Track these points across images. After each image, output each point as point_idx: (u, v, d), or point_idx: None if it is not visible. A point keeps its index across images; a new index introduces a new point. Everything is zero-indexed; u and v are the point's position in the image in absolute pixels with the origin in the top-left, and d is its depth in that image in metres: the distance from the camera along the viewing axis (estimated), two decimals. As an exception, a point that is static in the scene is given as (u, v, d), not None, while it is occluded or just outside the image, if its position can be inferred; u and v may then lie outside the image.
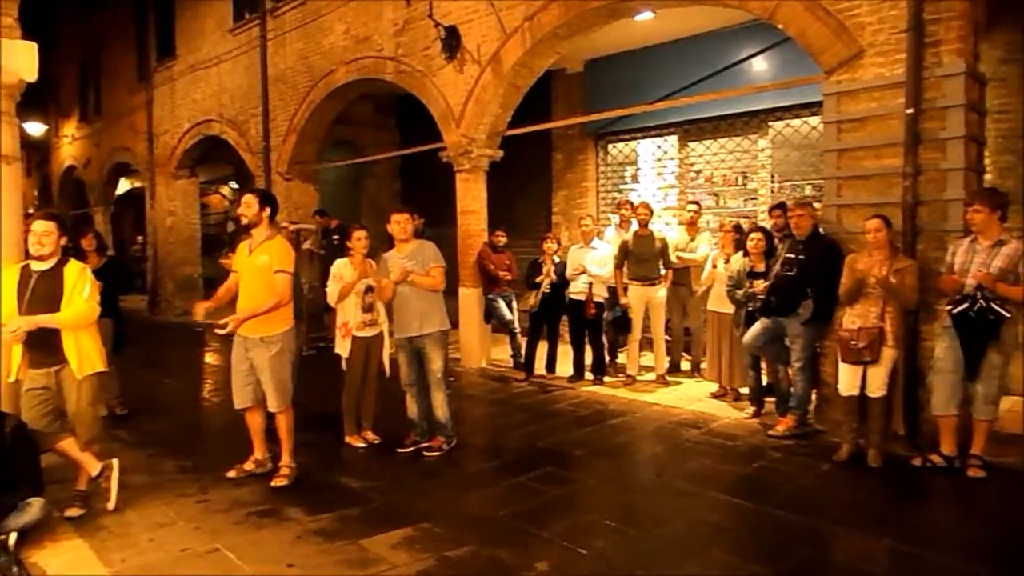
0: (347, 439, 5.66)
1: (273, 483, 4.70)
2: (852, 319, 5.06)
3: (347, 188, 13.76)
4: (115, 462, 4.36)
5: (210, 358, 10.28)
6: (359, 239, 5.66)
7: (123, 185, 19.77)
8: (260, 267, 4.67)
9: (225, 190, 18.72)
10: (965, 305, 4.61)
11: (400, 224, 5.32)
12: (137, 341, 8.66)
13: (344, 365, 5.67)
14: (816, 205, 6.13)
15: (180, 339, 12.71)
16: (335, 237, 9.57)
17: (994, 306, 4.51)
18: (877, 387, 4.99)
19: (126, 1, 16.44)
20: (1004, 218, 4.72)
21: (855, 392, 5.07)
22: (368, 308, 5.62)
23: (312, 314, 9.66)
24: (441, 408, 5.36)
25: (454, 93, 8.74)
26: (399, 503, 4.44)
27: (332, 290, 5.56)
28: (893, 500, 4.57)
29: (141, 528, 4.07)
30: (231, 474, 4.86)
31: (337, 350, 5.67)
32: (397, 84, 9.65)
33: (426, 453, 5.34)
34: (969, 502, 4.51)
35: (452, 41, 8.57)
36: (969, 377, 4.71)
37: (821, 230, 5.66)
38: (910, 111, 5.17)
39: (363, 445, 5.62)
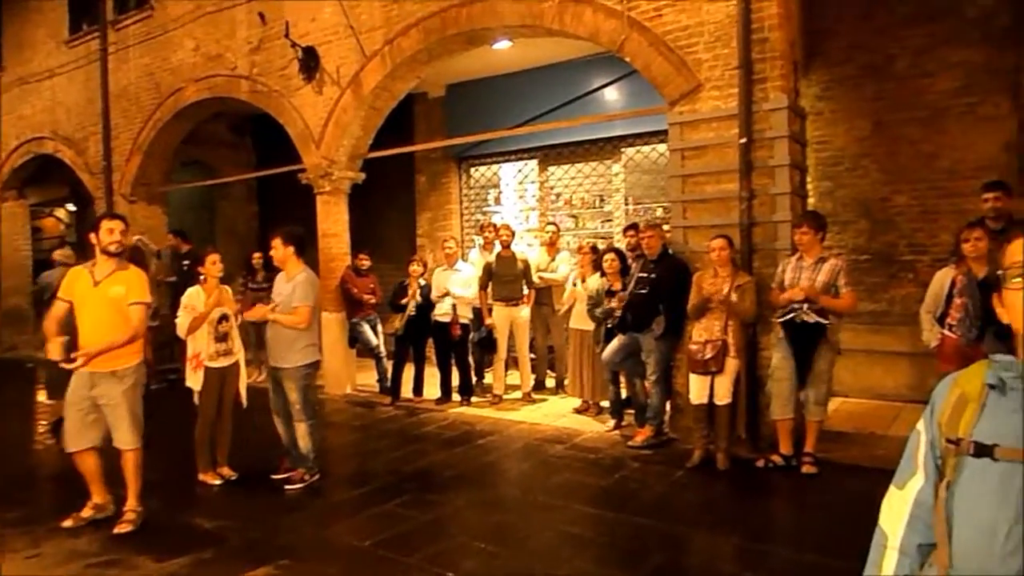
0: (201, 476, 5.34)
1: (116, 530, 4.34)
2: (700, 333, 5.41)
3: (200, 211, 13.05)
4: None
5: (42, 396, 9.34)
6: (213, 263, 5.40)
7: (-63, 207, 17.72)
8: (113, 298, 4.38)
9: (61, 213, 17.19)
10: (792, 315, 5.10)
11: (274, 249, 5.25)
12: (-47, 382, 7.76)
13: (196, 399, 5.35)
14: (665, 227, 6.54)
15: (6, 376, 11.48)
16: (185, 263, 9.04)
17: (817, 317, 5.02)
18: (723, 395, 5.36)
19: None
20: (823, 238, 5.27)
21: (704, 401, 5.41)
22: (222, 337, 5.36)
23: (161, 344, 9.06)
24: (302, 440, 5.19)
25: (313, 114, 8.57)
26: (258, 540, 4.24)
27: (182, 321, 5.24)
28: (740, 500, 4.92)
29: (-43, 591, 3.65)
30: (67, 523, 4.44)
31: (188, 383, 5.34)
32: (252, 103, 9.34)
33: (287, 487, 5.14)
34: (805, 496, 4.94)
35: (310, 62, 8.42)
36: (800, 381, 5.17)
37: (670, 250, 6.03)
38: (743, 141, 5.65)
39: (219, 482, 5.32)
